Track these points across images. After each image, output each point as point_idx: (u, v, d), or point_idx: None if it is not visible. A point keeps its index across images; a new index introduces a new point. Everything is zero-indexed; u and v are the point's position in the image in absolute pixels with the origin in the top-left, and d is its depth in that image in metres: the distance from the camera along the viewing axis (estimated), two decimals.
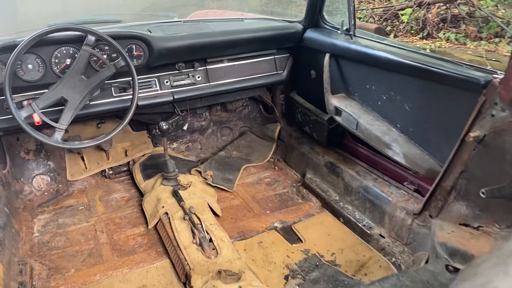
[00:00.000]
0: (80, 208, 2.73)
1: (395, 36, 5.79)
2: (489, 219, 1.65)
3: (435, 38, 5.49)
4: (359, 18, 6.45)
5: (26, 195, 2.73)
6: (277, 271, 2.10)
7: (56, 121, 2.12)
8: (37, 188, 2.78)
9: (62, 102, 2.14)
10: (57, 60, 2.25)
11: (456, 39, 5.26)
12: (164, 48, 2.42)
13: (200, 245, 2.12)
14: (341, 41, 2.39)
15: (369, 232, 2.26)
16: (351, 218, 2.39)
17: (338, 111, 2.44)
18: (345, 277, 2.04)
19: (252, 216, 2.57)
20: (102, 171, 3.04)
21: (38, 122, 2.10)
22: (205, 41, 2.53)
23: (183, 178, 2.72)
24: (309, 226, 2.45)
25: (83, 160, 2.98)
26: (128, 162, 3.11)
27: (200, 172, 2.89)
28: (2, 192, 2.44)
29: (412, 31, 5.84)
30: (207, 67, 2.71)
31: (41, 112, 2.08)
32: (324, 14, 2.65)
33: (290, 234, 2.40)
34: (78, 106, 2.14)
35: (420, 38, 5.60)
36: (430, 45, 5.22)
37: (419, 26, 5.71)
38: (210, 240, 2.19)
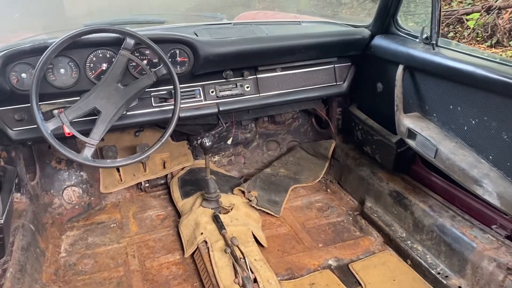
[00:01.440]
0: (112, 225, 2.49)
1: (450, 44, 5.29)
2: None
3: (506, 46, 4.94)
4: (417, 23, 5.97)
5: (55, 208, 2.51)
6: None
7: (87, 134, 1.86)
8: (67, 201, 2.56)
9: (94, 113, 1.88)
10: (92, 65, 2.00)
11: None
12: (212, 54, 2.12)
13: (243, 286, 1.81)
14: (419, 51, 2.01)
15: (445, 282, 1.88)
16: (422, 262, 2.00)
17: (411, 134, 2.06)
18: None
19: (302, 249, 2.23)
20: (138, 183, 2.80)
21: (69, 134, 1.85)
22: (258, 47, 2.21)
23: (224, 199, 2.42)
24: (369, 266, 2.08)
25: (118, 171, 2.74)
26: (166, 175, 2.85)
27: (243, 192, 2.58)
28: (28, 207, 2.23)
29: (478, 38, 5.31)
30: (258, 76, 2.39)
31: (71, 123, 1.83)
32: (398, 18, 2.27)
33: (347, 275, 2.05)
34: (112, 118, 1.88)
35: (488, 46, 5.07)
36: (501, 54, 4.69)
37: (487, 32, 5.18)
38: (255, 280, 1.87)
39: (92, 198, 2.64)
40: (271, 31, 2.34)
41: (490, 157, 1.75)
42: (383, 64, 2.29)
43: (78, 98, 1.95)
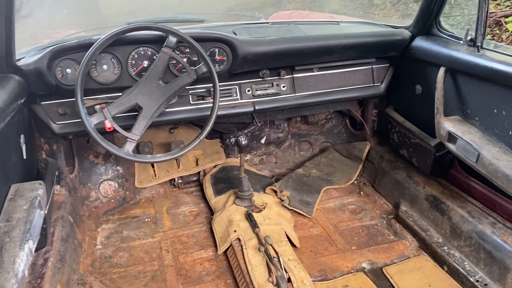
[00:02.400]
0: (146, 220, 2.53)
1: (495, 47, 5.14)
2: None
3: None
4: (452, 25, 5.83)
5: (92, 201, 2.58)
6: None
7: (128, 129, 1.90)
8: (103, 195, 2.62)
9: (135, 109, 1.92)
10: (133, 62, 2.04)
11: None
12: (250, 53, 2.13)
13: (277, 285, 1.81)
14: (463, 54, 1.96)
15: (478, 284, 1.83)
16: (460, 268, 1.95)
17: (452, 138, 2.01)
18: None
19: (335, 251, 2.21)
20: (171, 179, 2.83)
21: (109, 128, 1.89)
22: (297, 46, 2.20)
23: (257, 198, 2.43)
24: (404, 271, 2.05)
25: (152, 166, 2.79)
26: (199, 172, 2.87)
27: (275, 192, 2.58)
28: (67, 199, 2.29)
29: None
30: (294, 75, 2.39)
31: (113, 118, 1.87)
32: (441, 20, 2.23)
33: (381, 279, 2.02)
34: (153, 114, 1.91)
35: None
36: None
37: None
38: (289, 280, 1.87)
39: (127, 193, 2.69)
40: (309, 31, 2.33)
41: None
42: (423, 66, 2.25)
43: (119, 94, 1.99)
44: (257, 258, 1.99)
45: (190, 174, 2.86)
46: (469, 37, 2.00)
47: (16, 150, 1.77)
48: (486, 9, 1.86)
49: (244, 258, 2.01)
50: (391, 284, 1.97)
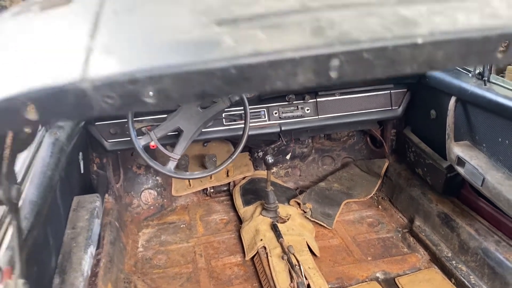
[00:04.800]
0: (181, 226, 2.82)
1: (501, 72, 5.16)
2: None
3: None
4: None
5: (134, 208, 2.88)
6: None
7: (168, 145, 2.18)
8: (144, 202, 2.92)
9: (177, 131, 2.20)
10: None
11: None
12: None
13: None
14: (471, 86, 2.15)
15: None
16: (465, 281, 2.14)
17: (460, 162, 2.20)
18: None
19: (352, 261, 2.43)
20: (204, 189, 3.11)
21: (153, 146, 2.18)
22: None
23: (282, 209, 2.67)
24: (415, 282, 2.25)
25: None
26: (229, 183, 3.14)
27: (299, 204, 2.82)
28: (114, 206, 2.60)
29: None
30: (318, 99, 2.62)
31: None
32: None
33: None
34: (192, 136, 2.19)
35: None
36: None
37: None
38: (308, 286, 2.10)
39: (165, 200, 2.99)
40: None
41: None
42: (437, 93, 2.44)
43: (162, 115, 2.28)
44: (280, 265, 2.23)
45: (221, 184, 3.13)
46: (477, 71, 2.18)
47: (76, 166, 2.08)
48: None
49: (269, 265, 2.26)
50: None
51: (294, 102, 2.58)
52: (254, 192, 2.93)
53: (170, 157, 2.16)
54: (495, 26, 0.46)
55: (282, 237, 2.39)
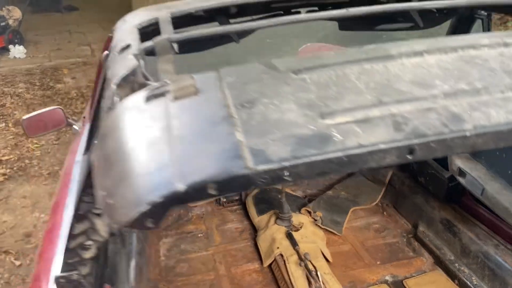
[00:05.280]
0: (199, 235, 2.98)
1: None
2: None
3: None
4: None
5: None
6: None
7: None
8: None
9: None
10: None
11: None
12: None
13: None
14: None
15: None
16: (468, 282, 2.34)
17: (461, 172, 2.40)
18: None
19: (363, 265, 2.62)
20: (217, 198, 3.27)
21: None
22: None
23: (294, 218, 2.85)
24: (421, 284, 2.45)
25: None
26: (240, 192, 3.31)
27: (309, 212, 3.00)
28: None
29: None
30: None
31: None
32: None
33: None
34: None
35: None
36: None
37: None
38: None
39: (182, 210, 3.15)
40: None
41: None
42: None
43: None
44: (298, 272, 2.41)
45: (233, 193, 3.30)
46: None
47: None
48: None
49: (287, 271, 2.44)
50: None
51: None
52: (266, 201, 3.11)
53: None
54: None
55: (297, 245, 2.57)
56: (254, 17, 1.56)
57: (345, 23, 1.91)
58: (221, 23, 1.52)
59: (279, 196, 2.80)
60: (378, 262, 2.64)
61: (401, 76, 0.72)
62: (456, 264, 2.47)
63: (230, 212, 3.25)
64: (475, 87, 0.68)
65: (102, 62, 1.75)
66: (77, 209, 1.04)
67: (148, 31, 1.40)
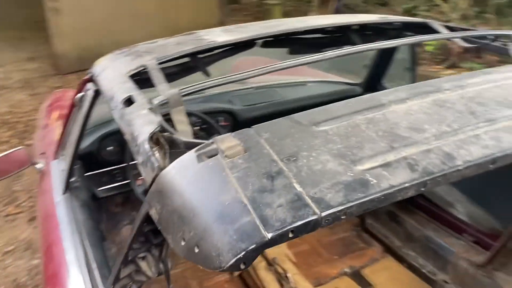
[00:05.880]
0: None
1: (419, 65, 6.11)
2: None
3: (460, 67, 5.81)
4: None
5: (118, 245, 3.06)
6: None
7: None
8: (124, 238, 3.11)
9: None
10: None
11: (478, 69, 5.61)
12: (248, 119, 2.75)
13: None
14: None
15: (433, 278, 2.57)
16: (415, 264, 2.69)
17: None
18: None
19: (323, 261, 2.87)
20: None
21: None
22: (278, 109, 2.86)
23: None
24: (376, 271, 2.75)
25: None
26: None
27: None
28: None
29: (436, 60, 6.16)
30: None
31: None
32: (383, 82, 2.97)
33: (360, 279, 2.71)
34: None
35: (445, 67, 5.92)
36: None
37: (443, 56, 6.03)
38: None
39: None
40: (284, 93, 2.99)
41: (460, 188, 2.47)
42: None
43: None
44: (269, 276, 2.61)
45: None
46: None
47: None
48: (415, 77, 2.62)
49: (258, 278, 2.62)
50: (369, 282, 2.67)
51: None
52: None
53: None
54: None
55: (264, 251, 2.76)
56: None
57: (295, 48, 2.14)
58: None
59: None
60: (335, 257, 2.92)
61: (399, 122, 0.94)
62: (404, 249, 2.81)
63: None
64: (454, 128, 0.92)
65: (76, 103, 1.81)
66: (126, 255, 1.13)
67: (137, 79, 1.50)
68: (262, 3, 8.61)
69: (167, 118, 1.19)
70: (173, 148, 1.10)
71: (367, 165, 0.83)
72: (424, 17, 8.03)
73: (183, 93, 1.23)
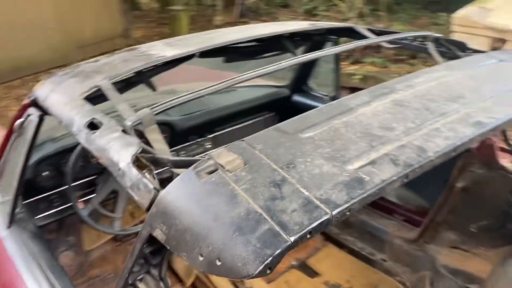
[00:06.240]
0: (108, 276, 2.95)
1: None
2: (475, 243, 2.27)
3: (363, 63, 6.31)
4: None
5: None
6: None
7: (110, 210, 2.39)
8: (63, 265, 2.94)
9: (113, 192, 2.41)
10: None
11: (379, 63, 6.15)
12: (186, 129, 2.76)
13: None
14: None
15: (373, 258, 2.82)
16: (354, 248, 2.92)
17: None
18: None
19: None
20: (114, 236, 3.24)
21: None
22: (214, 116, 2.91)
23: None
24: (320, 259, 2.94)
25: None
26: (136, 224, 3.34)
27: None
28: None
29: (341, 57, 6.63)
30: (215, 134, 3.07)
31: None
32: (309, 83, 3.16)
33: (307, 269, 2.87)
34: (127, 194, 2.42)
35: (350, 63, 6.39)
36: (358, 70, 6.04)
37: (347, 53, 6.50)
38: None
39: (82, 257, 3.05)
40: (217, 100, 3.05)
41: None
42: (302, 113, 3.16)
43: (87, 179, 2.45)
44: (223, 280, 2.65)
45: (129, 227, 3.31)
46: (332, 94, 2.96)
47: None
48: (339, 77, 2.84)
49: (212, 283, 2.65)
50: (315, 271, 2.84)
51: (196, 140, 2.97)
52: None
53: (114, 217, 2.35)
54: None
55: None
56: None
57: (231, 57, 2.23)
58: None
59: None
60: None
61: (371, 123, 1.06)
62: (342, 236, 3.03)
63: (130, 246, 3.25)
64: (417, 124, 1.07)
65: (15, 129, 1.71)
66: (126, 280, 1.11)
67: (90, 99, 1.47)
68: (167, 9, 8.51)
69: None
70: (157, 168, 1.11)
71: (356, 164, 0.94)
72: (324, 17, 8.60)
73: (155, 112, 1.25)
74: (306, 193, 0.87)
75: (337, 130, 1.06)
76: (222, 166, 0.94)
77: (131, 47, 1.97)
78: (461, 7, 7.11)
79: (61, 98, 1.49)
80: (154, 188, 0.98)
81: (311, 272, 2.84)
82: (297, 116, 1.19)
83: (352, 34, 2.12)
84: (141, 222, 3.31)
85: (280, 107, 3.34)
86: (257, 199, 0.86)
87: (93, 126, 1.29)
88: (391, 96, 1.20)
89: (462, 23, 5.47)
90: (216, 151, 1.02)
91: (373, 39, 1.86)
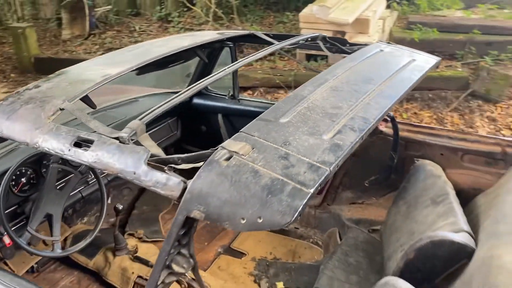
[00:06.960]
0: None
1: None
2: (368, 196, 2.88)
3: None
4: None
5: None
6: (248, 283, 2.90)
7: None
8: None
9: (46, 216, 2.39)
10: (13, 182, 2.42)
11: None
12: None
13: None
14: (231, 104, 3.27)
15: (287, 228, 3.27)
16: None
17: None
18: (291, 264, 3.01)
19: (199, 251, 3.23)
20: (30, 268, 3.09)
21: (9, 244, 2.30)
22: (122, 128, 3.01)
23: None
24: (242, 241, 3.28)
25: (6, 265, 2.99)
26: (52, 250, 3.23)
27: (132, 234, 3.33)
28: None
29: None
30: None
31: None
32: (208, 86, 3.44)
33: (234, 252, 3.20)
34: (61, 215, 2.43)
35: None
36: None
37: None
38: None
39: None
40: (125, 112, 3.16)
41: None
42: (205, 114, 3.45)
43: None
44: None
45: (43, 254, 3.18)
46: (230, 94, 3.30)
47: None
48: (237, 77, 3.21)
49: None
50: (241, 252, 3.18)
51: None
52: (91, 243, 3.19)
53: (53, 241, 2.34)
54: None
55: (149, 261, 2.93)
56: None
57: (142, 69, 2.42)
58: None
59: (114, 232, 2.99)
60: (206, 243, 3.31)
61: (325, 106, 1.44)
62: None
63: (52, 274, 3.14)
64: (354, 102, 1.48)
65: None
66: (165, 261, 1.27)
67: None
68: (9, 27, 7.83)
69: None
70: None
71: (330, 135, 1.31)
72: (178, 22, 8.88)
73: (145, 122, 1.45)
74: (307, 159, 1.21)
75: (304, 114, 1.41)
76: (236, 152, 1.23)
77: (60, 71, 2.03)
78: (298, 5, 8.10)
79: (24, 125, 1.55)
80: (182, 180, 1.22)
81: (238, 254, 3.17)
82: (269, 108, 1.51)
83: (254, 39, 2.50)
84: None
85: (181, 111, 3.57)
86: (275, 170, 1.17)
87: (79, 144, 1.43)
88: (328, 85, 1.61)
89: (307, 20, 6.33)
90: (225, 142, 1.29)
91: (279, 44, 2.25)
